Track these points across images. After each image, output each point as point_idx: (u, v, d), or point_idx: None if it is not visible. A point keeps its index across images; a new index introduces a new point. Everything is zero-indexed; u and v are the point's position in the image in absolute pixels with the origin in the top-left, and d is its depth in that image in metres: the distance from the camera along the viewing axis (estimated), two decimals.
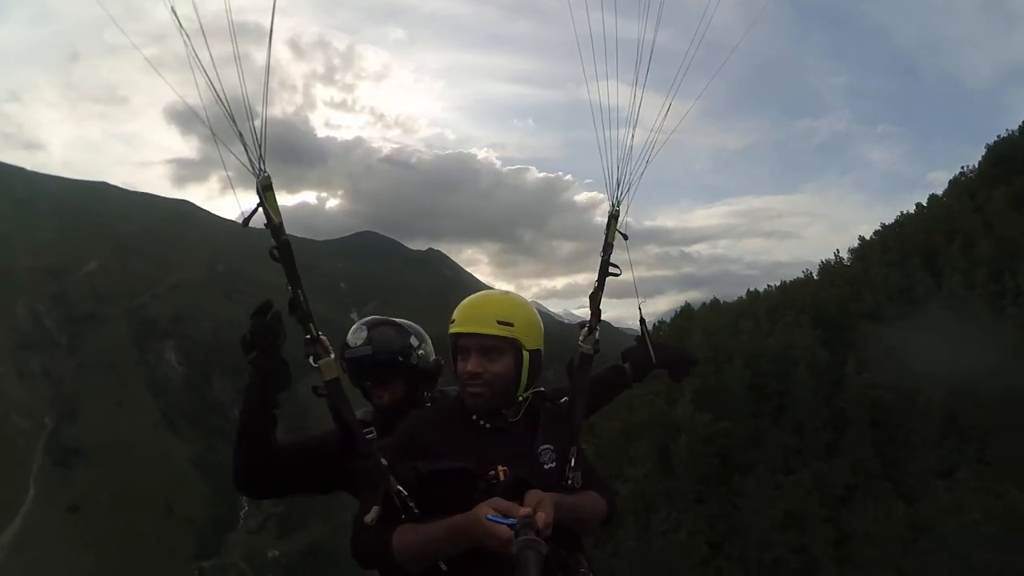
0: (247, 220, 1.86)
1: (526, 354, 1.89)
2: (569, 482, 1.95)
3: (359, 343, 2.38)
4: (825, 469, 33.91)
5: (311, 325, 1.90)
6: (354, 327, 2.46)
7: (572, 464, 1.98)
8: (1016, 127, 59.10)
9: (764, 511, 30.97)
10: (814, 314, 42.62)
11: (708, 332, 36.82)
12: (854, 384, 38.22)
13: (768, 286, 51.17)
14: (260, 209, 1.85)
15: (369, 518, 1.79)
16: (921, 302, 44.11)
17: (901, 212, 57.86)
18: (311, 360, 1.91)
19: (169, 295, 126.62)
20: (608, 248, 2.35)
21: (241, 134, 1.81)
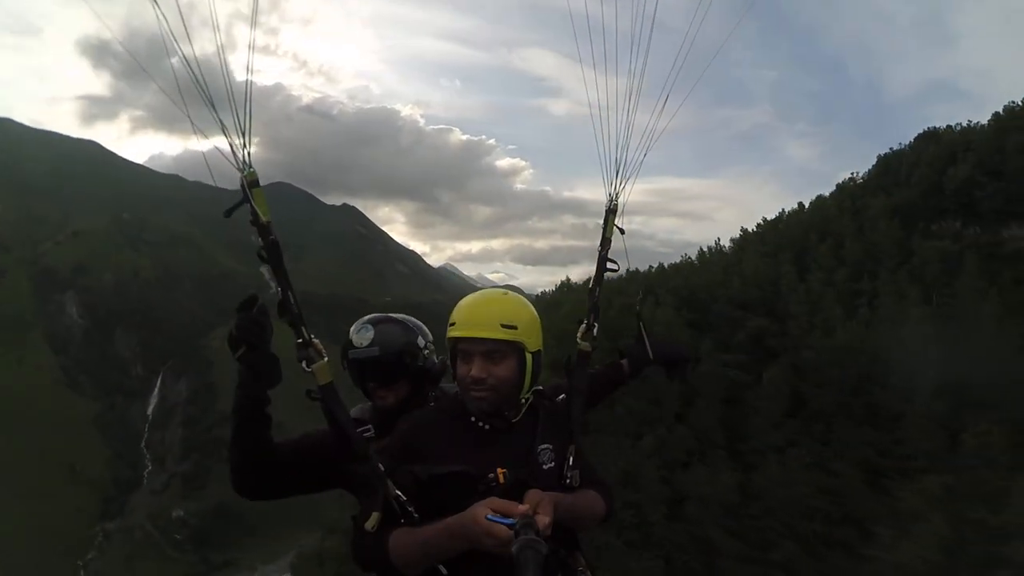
0: (230, 212, 1.75)
1: (529, 356, 1.85)
2: (567, 481, 1.93)
3: (364, 343, 2.30)
4: (667, 436, 37.13)
5: (303, 328, 1.83)
6: (357, 325, 2.37)
7: (570, 463, 1.95)
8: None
9: (605, 468, 34.15)
10: (684, 295, 45.60)
11: (576, 305, 39.24)
12: (709, 362, 41.73)
13: (649, 267, 54.15)
14: (250, 208, 1.74)
15: (369, 524, 1.77)
16: (784, 294, 47.99)
17: (783, 209, 61.41)
18: (303, 365, 1.84)
19: (71, 243, 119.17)
20: (606, 243, 2.29)
21: (223, 123, 1.70)
